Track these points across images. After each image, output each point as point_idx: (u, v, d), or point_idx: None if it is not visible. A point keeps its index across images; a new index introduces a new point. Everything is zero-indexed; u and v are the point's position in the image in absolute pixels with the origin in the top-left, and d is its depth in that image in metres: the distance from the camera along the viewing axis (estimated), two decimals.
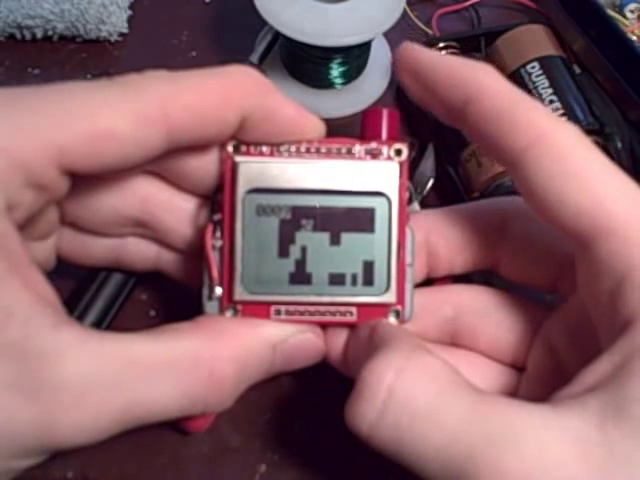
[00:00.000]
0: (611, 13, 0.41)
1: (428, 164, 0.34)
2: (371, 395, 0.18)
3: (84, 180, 0.20)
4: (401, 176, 0.23)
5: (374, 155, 0.23)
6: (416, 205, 0.33)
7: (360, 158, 0.23)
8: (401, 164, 0.23)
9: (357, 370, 0.20)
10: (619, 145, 0.35)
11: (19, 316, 0.17)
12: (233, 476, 0.27)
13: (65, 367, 0.17)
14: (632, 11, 0.42)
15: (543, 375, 0.23)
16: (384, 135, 0.23)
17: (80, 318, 0.27)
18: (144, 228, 0.24)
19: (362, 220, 0.23)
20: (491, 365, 0.24)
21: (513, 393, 0.24)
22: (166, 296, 0.31)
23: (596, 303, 0.20)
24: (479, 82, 0.21)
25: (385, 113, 0.23)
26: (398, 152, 0.23)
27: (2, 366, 0.17)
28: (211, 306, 0.23)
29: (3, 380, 0.17)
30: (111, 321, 0.28)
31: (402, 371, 0.18)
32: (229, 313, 0.23)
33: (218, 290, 0.23)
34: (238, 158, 0.22)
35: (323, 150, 0.23)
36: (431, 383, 0.18)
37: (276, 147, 0.23)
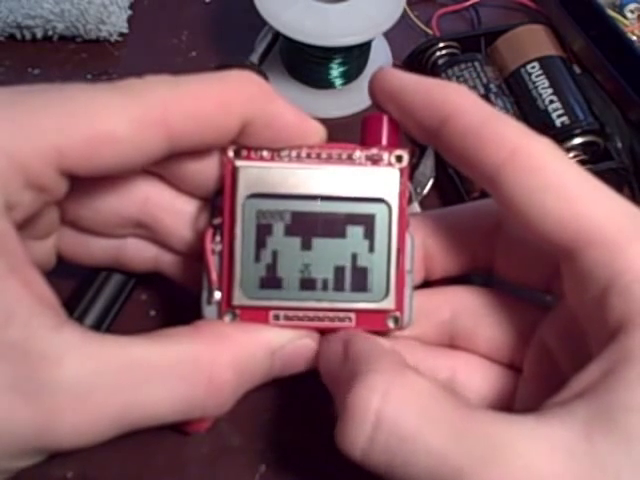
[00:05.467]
0: (611, 13, 0.41)
1: (428, 164, 0.34)
2: (360, 421, 0.18)
3: (85, 181, 0.20)
4: (401, 182, 0.23)
5: (375, 161, 0.23)
6: (416, 205, 0.33)
7: (360, 164, 0.23)
8: (401, 170, 0.23)
9: (330, 382, 0.21)
10: (619, 145, 0.35)
11: (19, 317, 0.17)
12: (233, 476, 0.27)
13: (65, 369, 0.17)
14: (632, 11, 0.42)
15: (539, 376, 0.23)
16: (384, 142, 0.23)
17: (80, 318, 0.27)
18: (144, 229, 0.24)
19: (365, 226, 0.23)
20: (489, 367, 0.24)
21: (511, 394, 0.23)
22: (166, 296, 0.31)
23: (584, 310, 0.20)
24: (453, 102, 0.21)
25: (385, 119, 0.23)
26: (399, 158, 0.23)
27: (1, 367, 0.17)
28: (210, 310, 0.23)
29: (2, 381, 0.17)
30: (111, 321, 0.28)
31: (387, 394, 0.18)
32: (228, 317, 0.23)
33: (217, 294, 0.23)
34: (239, 163, 0.22)
35: (324, 155, 0.23)
36: (415, 404, 0.18)
37: (277, 152, 0.23)
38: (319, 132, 0.23)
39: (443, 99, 0.21)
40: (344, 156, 0.23)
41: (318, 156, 0.23)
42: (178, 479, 0.27)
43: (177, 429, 0.26)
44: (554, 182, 0.20)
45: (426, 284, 0.25)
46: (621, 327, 0.18)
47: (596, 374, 0.18)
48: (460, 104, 0.21)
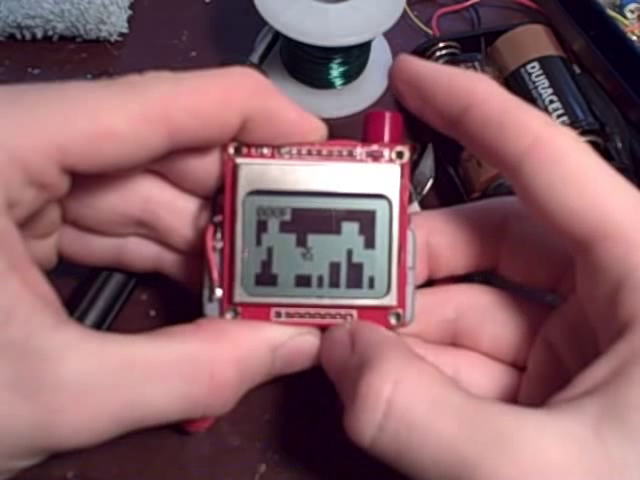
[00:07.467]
0: (611, 13, 0.41)
1: (428, 164, 0.34)
2: (371, 408, 0.18)
3: (86, 179, 0.20)
4: (402, 179, 0.23)
5: (375, 157, 0.23)
6: (416, 205, 0.33)
7: (361, 160, 0.23)
8: (402, 167, 0.23)
9: (336, 373, 0.21)
10: (619, 145, 0.34)
11: (19, 316, 0.17)
12: (233, 476, 0.27)
13: (65, 367, 0.17)
14: (632, 11, 0.42)
15: (544, 374, 0.23)
16: (387, 138, 0.23)
17: (81, 318, 0.27)
18: (145, 228, 0.24)
19: (364, 222, 0.23)
20: (492, 365, 0.24)
21: (514, 392, 0.24)
22: (166, 296, 0.31)
23: (595, 306, 0.20)
24: (474, 90, 0.21)
25: (388, 116, 0.23)
26: (399, 155, 0.23)
27: (1, 366, 0.17)
28: (211, 308, 0.23)
29: (2, 380, 0.17)
30: (112, 321, 0.28)
31: (399, 382, 0.18)
32: (229, 315, 0.23)
33: (218, 292, 0.23)
34: (239, 160, 0.22)
35: (324, 152, 0.23)
36: (426, 393, 0.18)
37: (277, 149, 0.23)
38: (319, 129, 0.23)
39: (465, 87, 0.21)
40: (345, 153, 0.23)
41: (319, 153, 0.23)
42: (178, 479, 0.27)
43: (178, 428, 0.26)
44: (574, 173, 0.19)
45: (430, 283, 0.25)
46: (631, 324, 0.18)
47: (605, 372, 0.18)
48: (481, 93, 0.21)
